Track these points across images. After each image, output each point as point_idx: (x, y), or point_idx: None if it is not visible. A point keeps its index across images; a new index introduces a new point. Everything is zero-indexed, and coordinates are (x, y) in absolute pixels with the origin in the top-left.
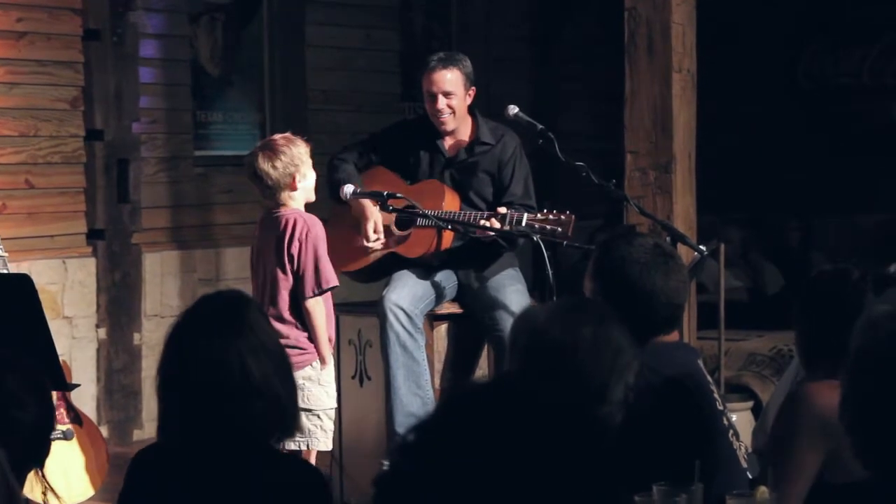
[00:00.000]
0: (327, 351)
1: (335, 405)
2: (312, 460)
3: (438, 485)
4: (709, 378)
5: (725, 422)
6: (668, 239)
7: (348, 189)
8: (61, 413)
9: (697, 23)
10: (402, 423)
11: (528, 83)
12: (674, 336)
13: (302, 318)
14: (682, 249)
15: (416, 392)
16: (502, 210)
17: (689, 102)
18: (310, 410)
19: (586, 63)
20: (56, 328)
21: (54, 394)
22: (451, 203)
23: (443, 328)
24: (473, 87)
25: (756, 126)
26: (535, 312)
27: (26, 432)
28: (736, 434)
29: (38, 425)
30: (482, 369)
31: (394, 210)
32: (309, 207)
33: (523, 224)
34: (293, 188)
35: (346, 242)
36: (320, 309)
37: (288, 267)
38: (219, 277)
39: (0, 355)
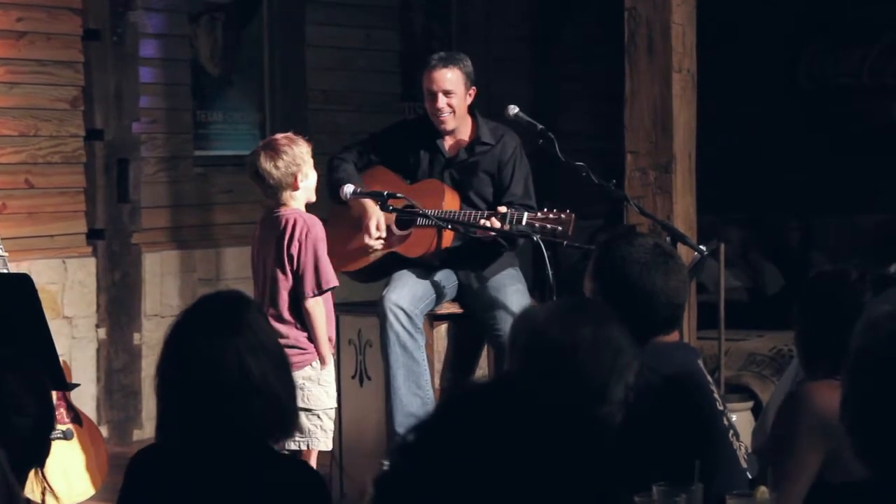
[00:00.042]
0: (327, 351)
1: (335, 405)
2: (313, 460)
3: (438, 485)
4: (709, 378)
5: (725, 422)
6: (668, 239)
7: (348, 189)
8: (61, 413)
9: (697, 23)
10: (402, 423)
11: (528, 83)
12: (674, 336)
13: (302, 318)
14: (682, 249)
15: (416, 392)
16: (502, 209)
17: (690, 102)
18: (310, 410)
19: (586, 63)
20: (56, 328)
21: (54, 394)
22: (451, 203)
23: (443, 328)
24: (474, 87)
25: (756, 126)
26: (534, 312)
27: (26, 432)
28: (736, 434)
29: (38, 425)
30: (482, 369)
31: (394, 210)
32: (309, 207)
33: (524, 223)
34: (295, 188)
35: (346, 242)
36: (320, 309)
37: (288, 267)
38: (219, 277)
39: (0, 355)
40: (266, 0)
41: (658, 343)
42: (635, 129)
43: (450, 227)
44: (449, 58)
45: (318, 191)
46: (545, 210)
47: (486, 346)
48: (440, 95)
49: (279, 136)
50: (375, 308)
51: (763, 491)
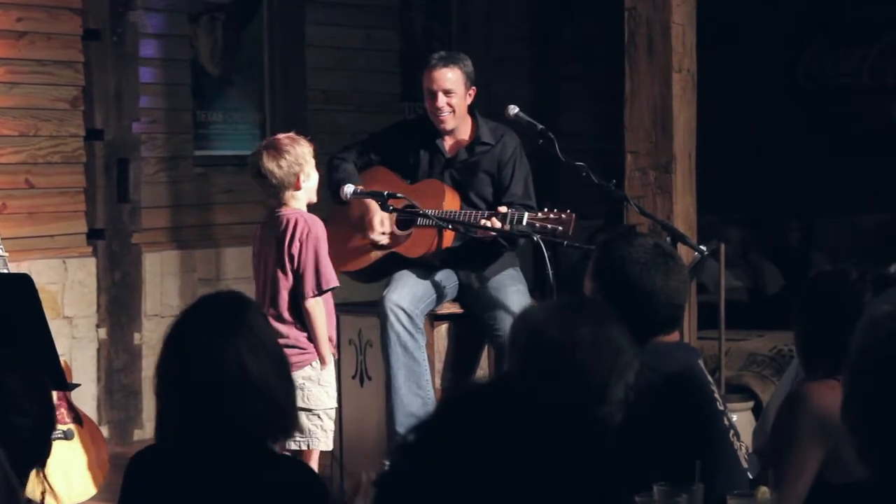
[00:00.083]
0: (327, 351)
1: (335, 405)
2: (313, 460)
3: (438, 485)
4: (709, 378)
5: (726, 422)
6: (668, 239)
7: (348, 189)
8: (62, 413)
9: (697, 23)
10: (403, 423)
11: (528, 83)
12: (674, 336)
13: (302, 318)
14: (682, 249)
15: (417, 392)
16: (503, 209)
17: (690, 102)
18: (310, 410)
19: (586, 63)
20: (56, 328)
21: (55, 394)
22: (451, 203)
23: (443, 328)
24: (474, 87)
25: (756, 126)
26: (534, 312)
27: (27, 432)
28: (736, 434)
29: (38, 425)
30: (483, 369)
31: (394, 210)
32: (309, 207)
33: (524, 223)
34: (297, 188)
35: (346, 242)
36: (320, 309)
37: (288, 267)
38: (219, 277)
39: (0, 355)
40: (266, 0)
41: (658, 343)
42: (635, 129)
43: (450, 227)
44: (449, 57)
45: (318, 191)
46: (545, 210)
47: (486, 347)
48: (440, 95)
49: (281, 135)
50: (376, 308)
51: (764, 491)
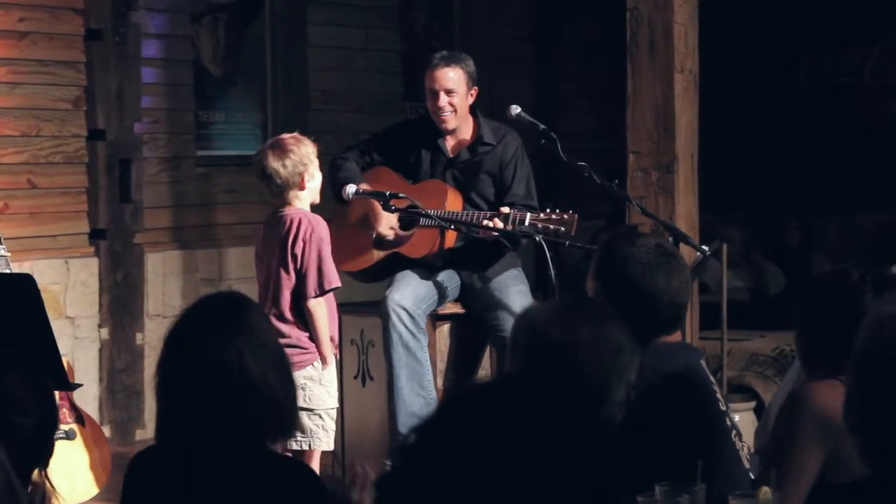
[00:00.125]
0: (328, 351)
1: (337, 405)
2: (315, 460)
3: (439, 485)
4: (711, 378)
5: (728, 422)
6: (670, 239)
7: (350, 189)
8: (64, 413)
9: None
10: (406, 424)
11: (529, 83)
12: (676, 336)
13: (304, 318)
14: (684, 250)
15: (419, 392)
16: (505, 210)
17: (692, 103)
18: (311, 410)
19: (587, 63)
20: (58, 328)
21: (57, 394)
22: (453, 203)
23: (445, 328)
24: (476, 87)
25: (756, 126)
26: (535, 312)
27: (28, 433)
28: (738, 434)
29: (40, 426)
30: (484, 369)
31: (396, 210)
32: (312, 208)
33: (526, 224)
34: (301, 188)
35: (349, 242)
36: (322, 309)
37: (291, 266)
38: (221, 277)
39: (2, 356)
40: (268, 0)
41: (660, 343)
42: (637, 130)
43: (452, 227)
44: (451, 57)
45: (321, 192)
46: (548, 211)
47: (488, 347)
48: (442, 94)
49: (286, 135)
50: (378, 308)
51: (765, 491)
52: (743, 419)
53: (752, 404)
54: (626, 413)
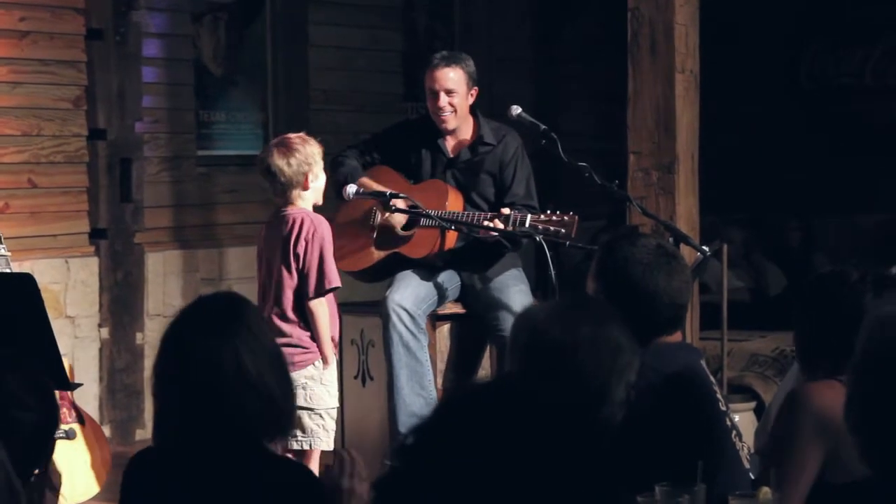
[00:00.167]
0: (329, 351)
1: (337, 405)
2: (315, 460)
3: (439, 485)
4: (711, 379)
5: (728, 422)
6: (670, 239)
7: (351, 189)
8: (64, 413)
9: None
10: (406, 424)
11: (529, 83)
12: (677, 336)
13: (306, 318)
14: (684, 250)
15: (420, 392)
16: (506, 211)
17: (692, 103)
18: (312, 409)
19: (587, 63)
20: (59, 328)
21: (57, 393)
22: (454, 203)
23: (445, 328)
24: (476, 88)
25: (757, 126)
26: (535, 312)
27: (29, 428)
28: (739, 435)
29: (40, 425)
30: (485, 370)
31: (397, 210)
32: (314, 208)
33: (527, 225)
34: (305, 187)
35: (349, 242)
36: (323, 309)
37: (293, 266)
38: (221, 277)
39: (2, 355)
40: (269, 0)
41: (661, 343)
42: (638, 130)
43: (453, 227)
44: (451, 57)
45: (325, 195)
46: (548, 212)
47: (488, 347)
48: (442, 94)
49: (292, 135)
50: (378, 308)
51: (766, 492)
52: (743, 419)
53: (753, 404)
54: (627, 413)
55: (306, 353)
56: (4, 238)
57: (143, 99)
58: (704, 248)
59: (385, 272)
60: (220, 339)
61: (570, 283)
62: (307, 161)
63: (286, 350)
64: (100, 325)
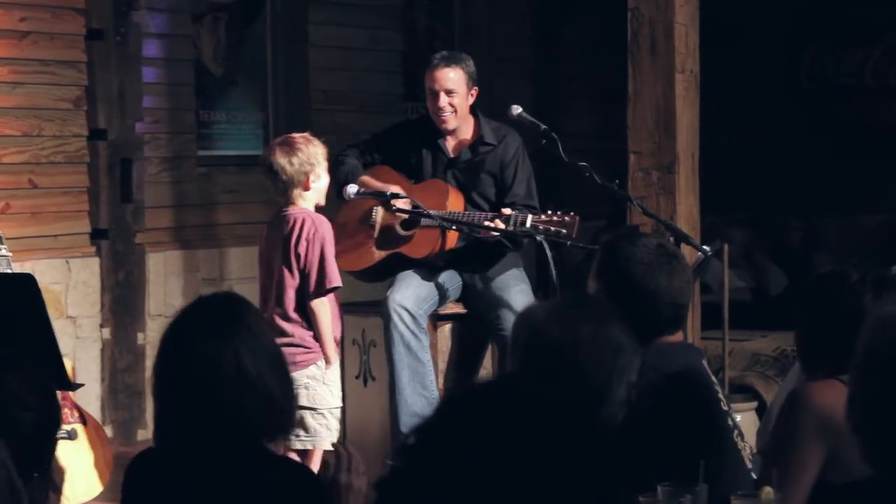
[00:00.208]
0: (332, 350)
1: (340, 404)
2: (317, 459)
3: (440, 485)
4: (713, 378)
5: (730, 422)
6: (671, 239)
7: (352, 189)
8: (66, 413)
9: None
10: (408, 423)
11: (530, 83)
12: (678, 336)
13: (308, 318)
14: (685, 250)
15: (422, 392)
16: (507, 211)
17: (693, 103)
18: (315, 409)
19: (587, 63)
20: (60, 328)
21: (59, 393)
22: (455, 203)
23: (447, 328)
24: (476, 88)
25: (757, 126)
26: (535, 311)
27: (30, 428)
28: (740, 434)
29: (41, 426)
30: (486, 369)
31: (398, 210)
32: (317, 209)
33: (528, 225)
34: (306, 187)
35: (350, 241)
36: (325, 309)
37: (294, 265)
38: (222, 277)
39: (3, 355)
40: (269, 0)
41: (662, 343)
42: (638, 130)
43: (454, 227)
44: (451, 57)
45: (327, 196)
46: (549, 213)
47: (489, 347)
48: (442, 94)
49: (296, 134)
50: (379, 308)
51: (768, 491)
52: (744, 419)
53: (754, 404)
54: (628, 413)
55: (308, 352)
56: (5, 238)
57: (144, 99)
58: (705, 247)
59: (386, 272)
60: (220, 339)
61: (571, 282)
62: (309, 161)
63: (288, 350)
64: (101, 326)
